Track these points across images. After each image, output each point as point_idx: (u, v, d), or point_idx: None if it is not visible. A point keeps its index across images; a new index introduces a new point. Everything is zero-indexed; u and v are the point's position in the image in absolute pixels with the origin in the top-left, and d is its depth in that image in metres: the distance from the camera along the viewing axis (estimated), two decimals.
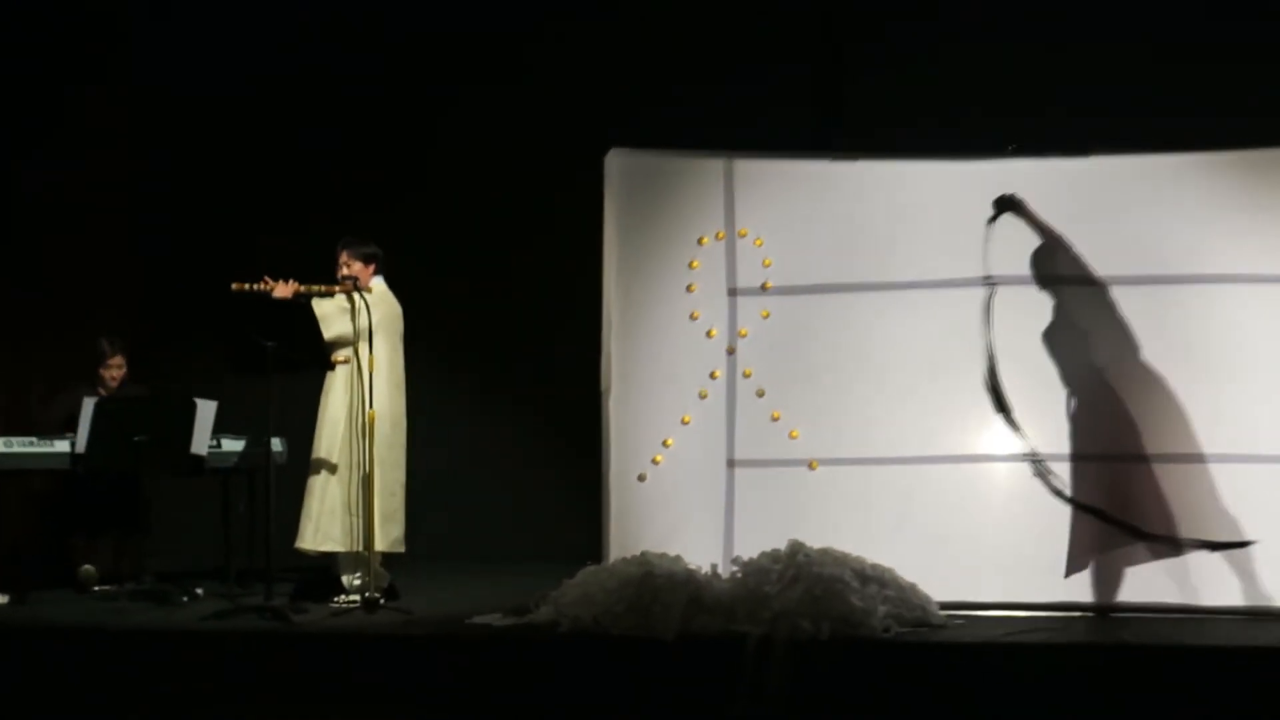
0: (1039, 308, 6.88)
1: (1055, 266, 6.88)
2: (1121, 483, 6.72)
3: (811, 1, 9.15)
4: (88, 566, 7.81)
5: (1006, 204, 6.88)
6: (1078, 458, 6.77)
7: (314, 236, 7.63)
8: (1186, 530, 6.62)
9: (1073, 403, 6.83)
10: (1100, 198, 6.92)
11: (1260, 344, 6.72)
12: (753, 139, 7.87)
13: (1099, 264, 6.87)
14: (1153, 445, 6.72)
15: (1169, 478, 6.69)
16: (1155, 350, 6.78)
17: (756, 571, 6.32)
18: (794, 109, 8.99)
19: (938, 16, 8.76)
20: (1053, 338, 6.88)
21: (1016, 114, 8.12)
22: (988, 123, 7.90)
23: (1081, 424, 6.81)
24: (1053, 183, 6.95)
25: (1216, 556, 6.59)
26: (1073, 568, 6.69)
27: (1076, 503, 6.72)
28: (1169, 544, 6.64)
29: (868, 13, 9.02)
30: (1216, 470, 6.66)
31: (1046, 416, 6.82)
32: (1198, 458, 6.69)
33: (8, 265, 8.68)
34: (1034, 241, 6.90)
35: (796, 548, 6.36)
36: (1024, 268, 6.91)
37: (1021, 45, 8.58)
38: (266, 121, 9.50)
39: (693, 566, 6.48)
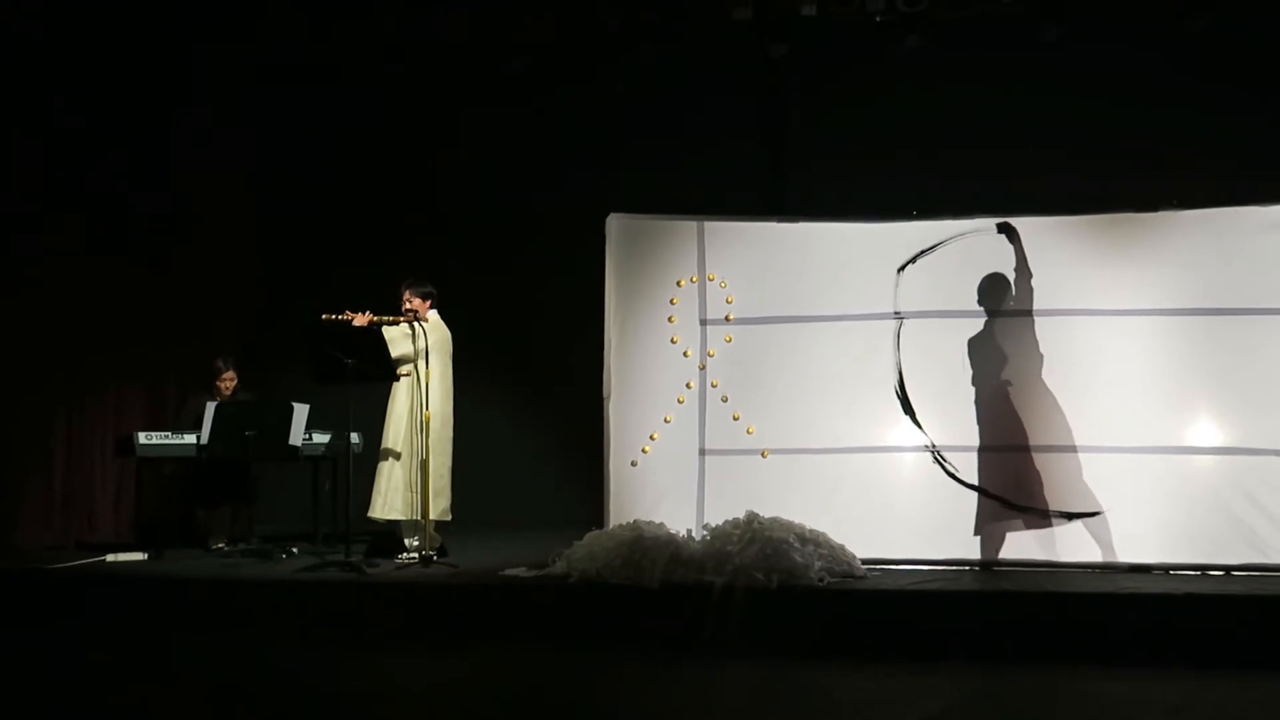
0: (935, 335, 6.86)
1: (998, 299, 6.79)
2: (1012, 467, 6.71)
3: (764, 94, 9.20)
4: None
5: (1006, 228, 6.79)
6: (984, 449, 6.73)
7: (379, 272, 7.63)
8: (1058, 503, 6.62)
9: (981, 403, 6.78)
10: (977, 249, 6.91)
11: (1115, 361, 6.70)
12: (719, 206, 7.89)
13: (975, 297, 6.85)
14: (1036, 439, 6.69)
15: (1047, 463, 6.67)
16: (1047, 365, 6.72)
17: (721, 535, 6.34)
18: (752, 184, 9.00)
19: (853, 124, 8.82)
20: (977, 347, 6.81)
21: (916, 187, 8.14)
22: (895, 193, 7.92)
23: (985, 421, 6.78)
24: (950, 236, 6.93)
25: (1075, 523, 6.59)
26: (979, 530, 6.73)
27: (964, 483, 6.74)
28: (1038, 514, 6.64)
29: (803, 117, 9.06)
30: (1084, 458, 6.64)
31: (941, 417, 6.82)
32: (1070, 448, 6.67)
33: (147, 300, 8.70)
34: (930, 283, 6.88)
35: (752, 516, 6.39)
36: (924, 305, 6.88)
37: (913, 140, 8.64)
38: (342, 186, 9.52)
39: (673, 531, 6.49)
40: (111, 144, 8.35)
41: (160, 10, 8.33)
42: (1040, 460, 6.67)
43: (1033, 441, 6.70)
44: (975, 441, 6.77)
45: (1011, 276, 6.81)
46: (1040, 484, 6.66)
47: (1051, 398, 6.69)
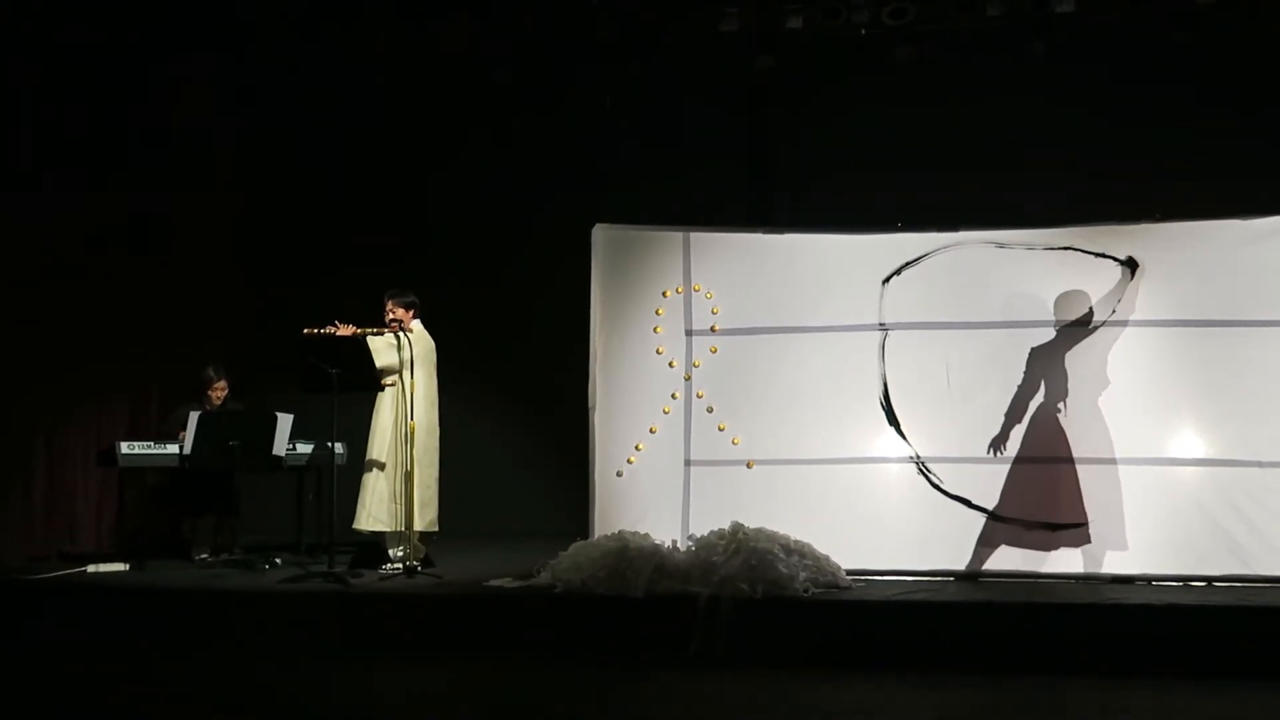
0: (919, 346, 6.85)
1: (1083, 315, 6.71)
2: (1037, 479, 6.66)
3: (750, 106, 9.21)
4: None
5: (1131, 262, 6.68)
6: (1019, 460, 6.66)
7: (367, 283, 7.58)
8: (1049, 514, 6.58)
9: (1026, 415, 6.69)
10: (961, 261, 6.91)
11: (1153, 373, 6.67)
12: (705, 217, 7.88)
13: (960, 309, 6.86)
14: (1076, 451, 6.61)
15: (1056, 475, 6.60)
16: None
17: (706, 546, 6.33)
18: (737, 195, 9.02)
19: (838, 135, 8.84)
20: (1038, 355, 6.72)
21: (901, 199, 8.14)
22: (881, 205, 7.94)
23: (1027, 430, 6.70)
24: (935, 248, 6.94)
25: (1061, 534, 6.55)
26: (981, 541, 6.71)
27: (949, 493, 6.72)
28: (1020, 524, 6.62)
29: (789, 129, 9.07)
30: (1123, 471, 6.57)
31: (926, 428, 6.82)
32: (1110, 460, 6.58)
33: (131, 309, 8.62)
34: (915, 295, 6.87)
35: (737, 527, 6.37)
36: (909, 316, 6.88)
37: (899, 152, 8.64)
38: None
39: (658, 542, 6.48)
40: (93, 149, 8.28)
41: (152, 13, 8.27)
42: (1056, 472, 6.62)
43: (1059, 454, 6.63)
44: (959, 452, 6.76)
45: (1074, 294, 6.75)
46: (1049, 497, 6.61)
47: (1101, 425, 6.60)
